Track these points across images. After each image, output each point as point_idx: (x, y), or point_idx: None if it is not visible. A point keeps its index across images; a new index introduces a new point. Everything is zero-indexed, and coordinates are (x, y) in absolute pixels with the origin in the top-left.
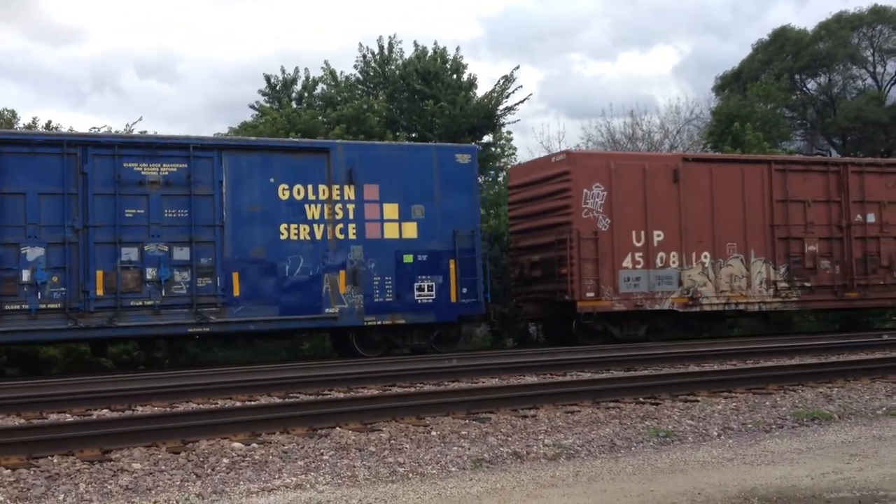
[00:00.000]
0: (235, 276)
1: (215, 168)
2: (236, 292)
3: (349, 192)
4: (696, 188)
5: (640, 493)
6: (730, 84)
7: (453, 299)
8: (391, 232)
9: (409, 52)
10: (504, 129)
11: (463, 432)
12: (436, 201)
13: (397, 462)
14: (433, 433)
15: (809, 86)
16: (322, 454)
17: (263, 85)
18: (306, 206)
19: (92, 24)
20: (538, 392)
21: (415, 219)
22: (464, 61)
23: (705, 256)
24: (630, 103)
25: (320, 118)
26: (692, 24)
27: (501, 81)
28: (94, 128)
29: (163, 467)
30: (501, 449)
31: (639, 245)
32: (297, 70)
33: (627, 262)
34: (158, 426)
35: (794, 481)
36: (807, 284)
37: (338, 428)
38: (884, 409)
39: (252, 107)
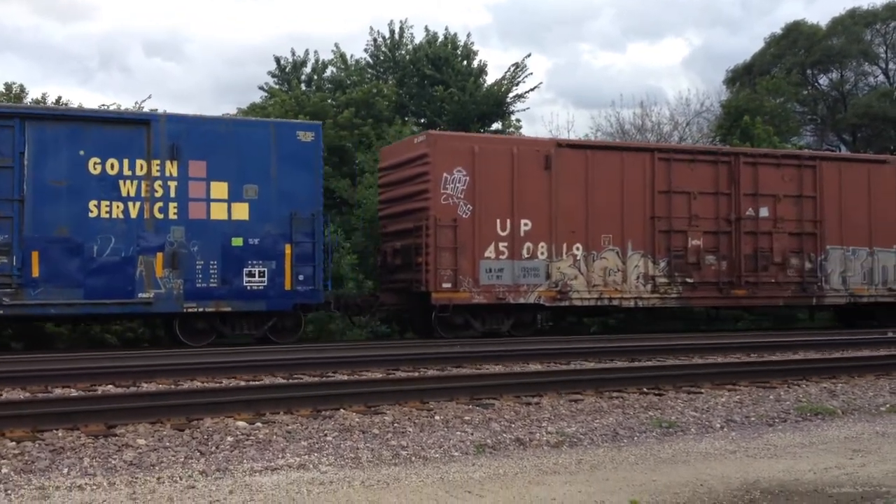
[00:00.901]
0: (35, 255)
1: (16, 138)
2: (35, 273)
3: (171, 169)
4: (570, 176)
5: (643, 482)
6: (741, 77)
7: (288, 287)
8: (219, 213)
9: (419, 37)
10: (513, 118)
11: (466, 418)
12: (272, 181)
13: (400, 445)
14: (436, 418)
15: (821, 81)
16: (326, 435)
17: (272, 66)
18: (121, 182)
19: (101, 1)
20: (542, 380)
21: (247, 199)
22: (474, 48)
23: (577, 248)
24: (639, 94)
25: (329, 101)
26: (702, 17)
27: (512, 69)
28: (103, 105)
29: (167, 444)
30: (504, 435)
31: (504, 234)
32: (307, 52)
33: (490, 253)
34: (163, 403)
35: (797, 475)
36: (689, 280)
37: (342, 410)
38: (887, 405)
39: (261, 88)
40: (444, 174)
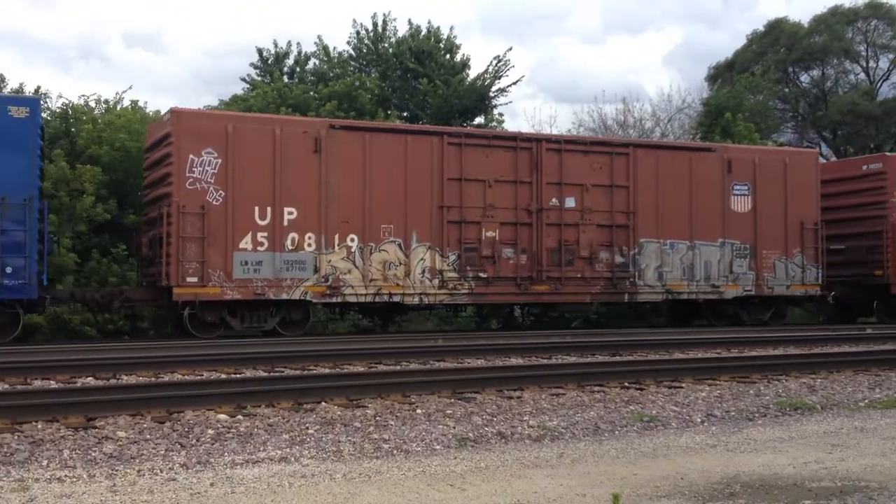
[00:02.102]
0: None
1: None
2: None
3: None
4: (345, 160)
5: (624, 476)
6: (723, 74)
7: None
8: None
9: (403, 30)
10: (496, 112)
11: (448, 411)
12: None
13: (382, 438)
14: (418, 411)
15: (802, 79)
16: (307, 428)
17: (253, 59)
18: None
19: None
20: (523, 374)
21: None
22: (457, 42)
23: (352, 239)
24: (620, 90)
25: (312, 94)
26: (682, 12)
27: (494, 62)
28: (83, 96)
29: (147, 436)
30: (486, 429)
31: (263, 224)
32: (289, 44)
33: (247, 244)
34: (144, 395)
35: (777, 469)
36: (482, 276)
37: (323, 403)
38: (866, 400)
39: (243, 80)
40: (191, 156)
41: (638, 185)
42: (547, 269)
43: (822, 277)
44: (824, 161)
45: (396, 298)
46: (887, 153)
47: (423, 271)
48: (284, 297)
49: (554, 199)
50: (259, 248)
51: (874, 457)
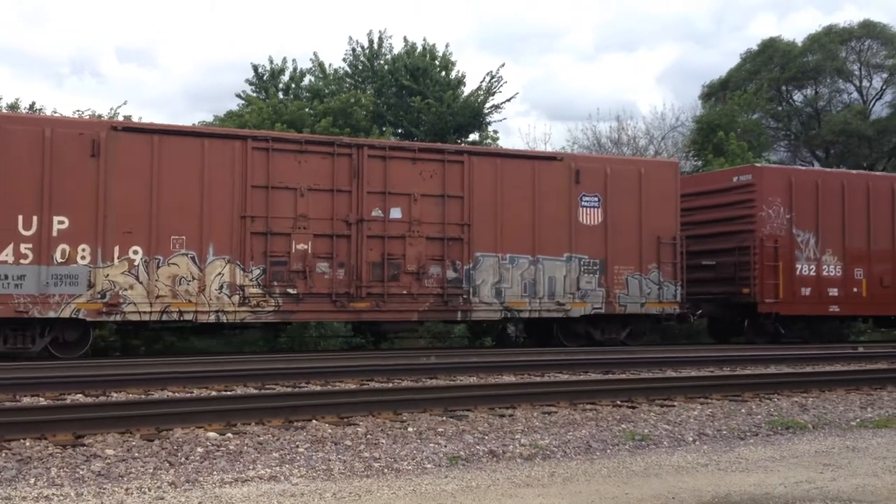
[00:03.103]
0: None
1: None
2: None
3: None
4: (128, 165)
5: (615, 495)
6: (717, 93)
7: None
8: None
9: (398, 47)
10: (490, 128)
11: (440, 429)
12: None
13: (373, 457)
14: (410, 429)
15: (796, 97)
16: (297, 447)
17: (247, 75)
18: None
19: (74, 6)
20: (516, 392)
21: None
22: (452, 59)
23: (135, 252)
24: (614, 108)
25: (307, 110)
26: (675, 32)
27: (487, 78)
28: (78, 111)
29: (136, 454)
30: (478, 447)
31: (28, 234)
32: (284, 60)
33: (7, 256)
34: (133, 413)
35: (768, 489)
36: (292, 291)
37: (314, 421)
38: (858, 420)
39: (238, 96)
40: None
41: (474, 196)
42: (368, 284)
43: (682, 295)
44: (703, 173)
45: (188, 316)
46: (756, 164)
47: (221, 287)
48: (52, 314)
49: (377, 210)
50: (22, 261)
51: (866, 476)
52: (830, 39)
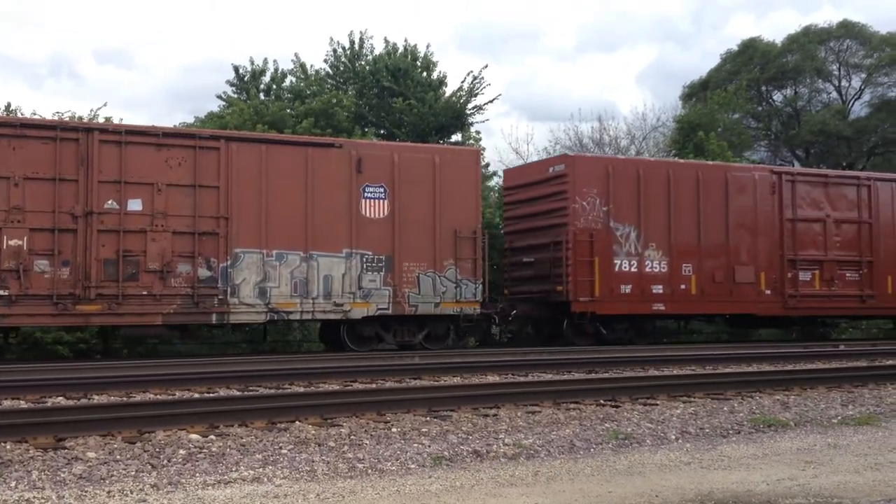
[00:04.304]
0: None
1: None
2: None
3: None
4: None
5: (598, 494)
6: (697, 93)
7: None
8: None
9: (379, 48)
10: (473, 129)
11: (423, 429)
12: None
13: (356, 458)
14: (394, 430)
15: (775, 97)
16: (281, 448)
17: (227, 76)
18: None
19: (51, 6)
20: (499, 391)
21: None
22: (434, 59)
23: None
24: (596, 109)
25: (288, 111)
26: (654, 32)
27: (470, 79)
28: (58, 113)
29: (118, 457)
30: (462, 447)
31: None
32: (265, 61)
33: None
34: (114, 415)
35: (750, 486)
36: (3, 293)
37: (297, 422)
38: (839, 417)
39: (219, 97)
40: None
41: (233, 186)
42: (98, 284)
43: (483, 294)
44: (527, 164)
45: None
46: (569, 153)
47: None
48: None
49: (112, 201)
50: None
51: (847, 473)
52: (809, 40)
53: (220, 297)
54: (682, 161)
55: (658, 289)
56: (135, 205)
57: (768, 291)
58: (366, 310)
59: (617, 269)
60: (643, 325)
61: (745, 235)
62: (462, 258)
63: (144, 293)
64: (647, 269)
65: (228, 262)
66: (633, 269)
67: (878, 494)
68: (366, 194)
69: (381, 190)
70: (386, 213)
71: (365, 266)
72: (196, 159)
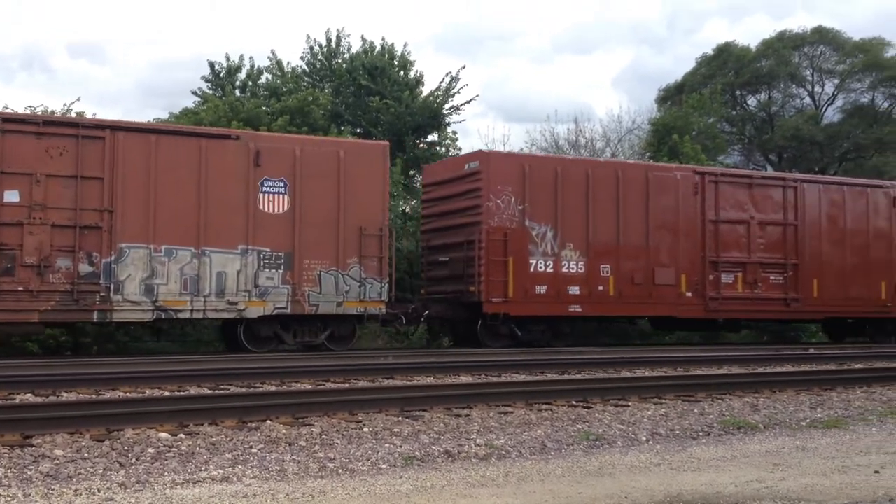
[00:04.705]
0: None
1: None
2: None
3: None
4: None
5: (569, 495)
6: (672, 96)
7: None
8: None
9: (356, 46)
10: (449, 129)
11: (395, 429)
12: None
13: (327, 457)
14: (365, 430)
15: (749, 102)
16: (251, 447)
17: (203, 72)
18: None
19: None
20: (472, 392)
21: None
22: (411, 58)
23: None
24: (571, 111)
25: (264, 108)
26: (629, 36)
27: (447, 80)
28: (30, 107)
29: (85, 455)
30: (433, 447)
31: None
32: (241, 58)
33: None
34: (83, 413)
35: (719, 488)
36: None
37: (268, 421)
38: (808, 420)
39: (194, 93)
40: None
41: (118, 177)
42: None
43: (390, 293)
44: (445, 160)
45: None
46: (484, 149)
47: None
48: None
49: None
50: None
51: (815, 476)
52: (784, 45)
53: (102, 294)
54: (601, 160)
55: (575, 290)
56: (11, 196)
57: (689, 294)
58: (262, 309)
59: (532, 269)
60: (560, 327)
61: (666, 236)
62: (367, 256)
63: (20, 289)
64: (564, 270)
65: (112, 258)
66: (549, 270)
67: (844, 497)
68: (264, 188)
69: (281, 184)
70: (286, 208)
71: (262, 263)
72: (79, 149)
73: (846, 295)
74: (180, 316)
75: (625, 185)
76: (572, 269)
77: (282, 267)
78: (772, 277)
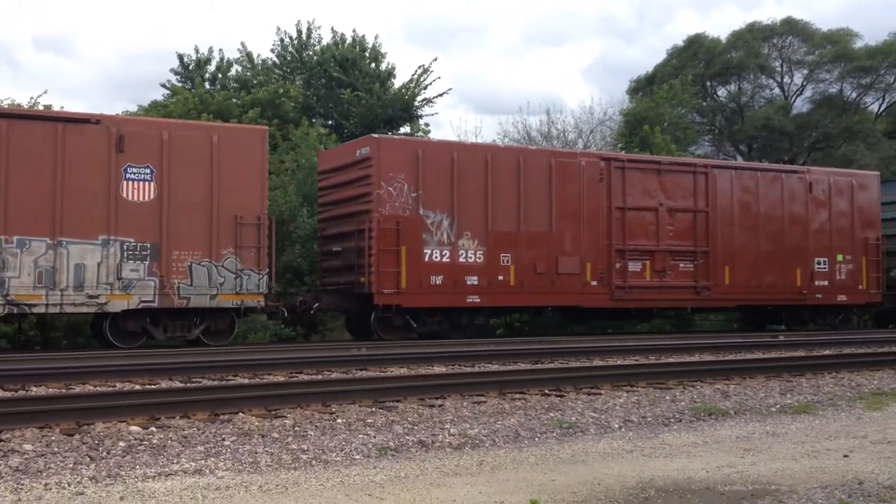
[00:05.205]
0: None
1: None
2: None
3: None
4: None
5: (542, 482)
6: (644, 87)
7: None
8: None
9: (327, 38)
10: (422, 122)
11: (369, 420)
12: None
13: (301, 449)
14: (339, 421)
15: (720, 93)
16: (223, 440)
17: (171, 64)
18: None
19: None
20: (446, 382)
21: None
22: (382, 50)
23: None
24: (543, 102)
25: (234, 101)
26: (599, 28)
27: (419, 72)
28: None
29: (56, 449)
30: (407, 437)
31: None
32: (211, 50)
33: None
34: (52, 407)
35: (690, 474)
36: None
37: (241, 413)
38: (777, 406)
39: (163, 86)
40: None
41: None
42: None
43: (270, 285)
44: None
45: None
46: (375, 134)
47: None
48: None
49: None
50: None
51: (785, 461)
52: (753, 36)
53: None
54: (501, 145)
55: (473, 280)
56: None
57: (594, 283)
58: (126, 302)
59: (427, 259)
60: (458, 318)
61: (571, 224)
62: (244, 246)
63: None
64: (462, 260)
65: None
66: (445, 260)
67: (814, 481)
68: (128, 175)
69: (147, 171)
70: (152, 196)
71: (126, 254)
72: None
73: (760, 282)
74: (35, 311)
75: (527, 172)
76: (470, 258)
77: (148, 258)
78: (681, 265)
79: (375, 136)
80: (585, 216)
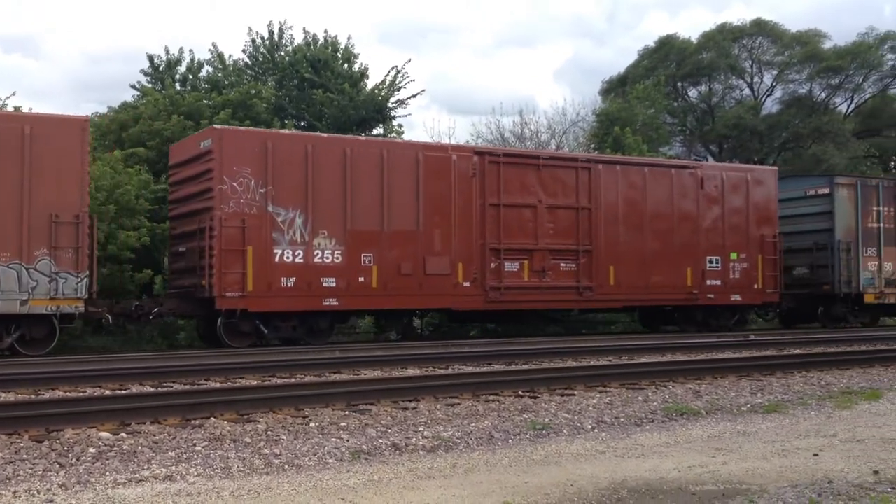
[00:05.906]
0: None
1: None
2: None
3: None
4: None
5: (515, 484)
6: (616, 88)
7: None
8: None
9: (299, 38)
10: (395, 123)
11: (342, 424)
12: None
13: (273, 453)
14: (311, 424)
15: (691, 94)
16: (195, 445)
17: (140, 65)
18: None
19: None
20: (419, 384)
21: None
22: (355, 51)
23: None
24: (516, 103)
25: (205, 101)
26: (571, 30)
27: (392, 73)
28: None
29: (24, 456)
30: (380, 441)
31: None
32: (181, 51)
33: None
34: (21, 413)
35: (663, 474)
36: None
37: (213, 418)
38: (748, 405)
39: (133, 87)
40: None
41: None
42: None
43: (91, 289)
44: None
45: None
46: (217, 125)
47: None
48: None
49: None
50: None
51: (756, 460)
52: (724, 37)
53: None
54: (362, 138)
55: (330, 282)
56: None
57: (467, 284)
58: None
59: (277, 259)
60: (316, 323)
61: (441, 222)
62: (60, 247)
63: None
64: (317, 260)
65: None
66: (298, 260)
67: (784, 480)
68: None
69: None
70: None
71: None
72: None
73: (648, 282)
74: None
75: (391, 166)
76: (327, 258)
77: None
78: (563, 265)
79: (218, 126)
80: (457, 214)
